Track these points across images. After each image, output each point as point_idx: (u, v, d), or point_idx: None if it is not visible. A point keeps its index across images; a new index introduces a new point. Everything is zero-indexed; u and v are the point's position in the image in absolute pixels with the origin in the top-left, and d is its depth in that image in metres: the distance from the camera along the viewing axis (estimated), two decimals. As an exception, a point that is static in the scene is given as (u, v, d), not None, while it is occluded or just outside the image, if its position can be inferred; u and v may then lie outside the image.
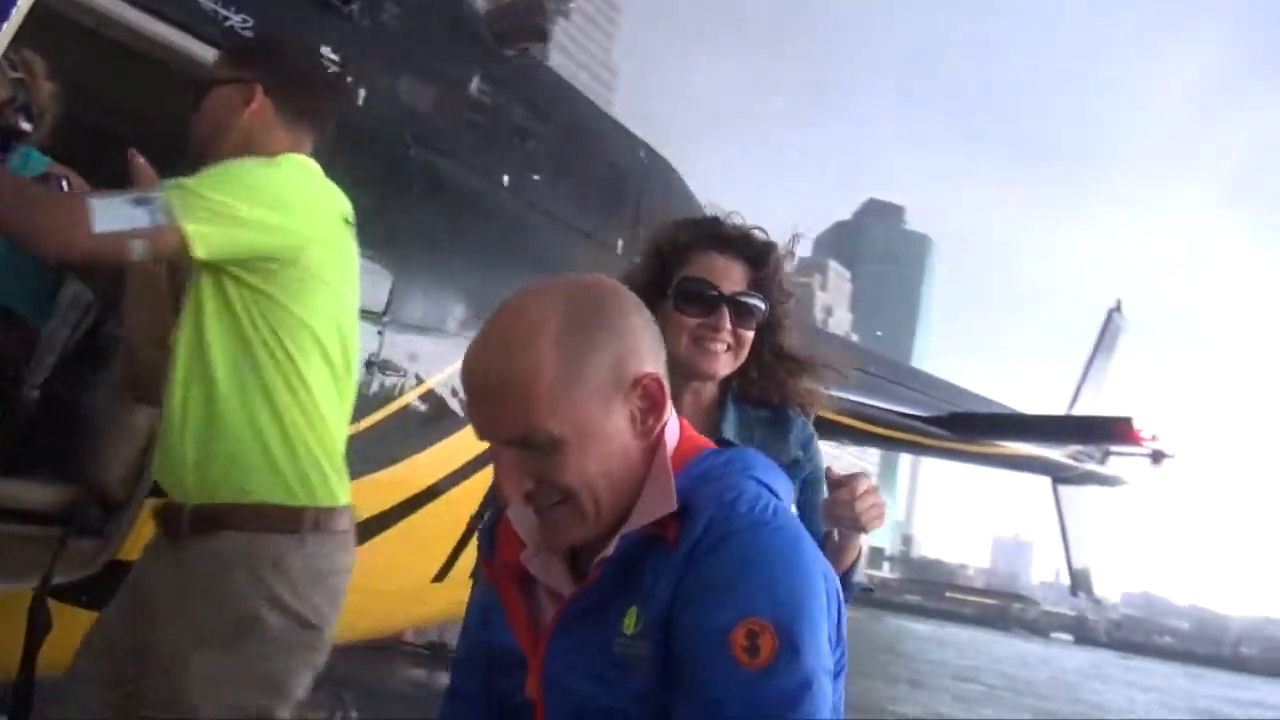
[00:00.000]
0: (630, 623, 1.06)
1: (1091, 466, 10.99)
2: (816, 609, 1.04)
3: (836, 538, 1.80)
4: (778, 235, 1.94)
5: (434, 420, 3.30)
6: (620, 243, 4.52)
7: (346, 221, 1.94)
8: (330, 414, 1.88)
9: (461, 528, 3.51)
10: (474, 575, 1.40)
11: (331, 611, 1.86)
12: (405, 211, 3.27)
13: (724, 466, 1.15)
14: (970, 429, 8.93)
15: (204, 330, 1.77)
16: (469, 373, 1.10)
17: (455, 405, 3.37)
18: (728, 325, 1.80)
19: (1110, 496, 12.94)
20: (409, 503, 3.22)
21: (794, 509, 1.24)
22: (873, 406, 6.46)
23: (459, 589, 3.56)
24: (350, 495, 1.95)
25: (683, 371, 1.82)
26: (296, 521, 1.80)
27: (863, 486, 1.72)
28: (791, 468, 1.80)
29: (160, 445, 1.86)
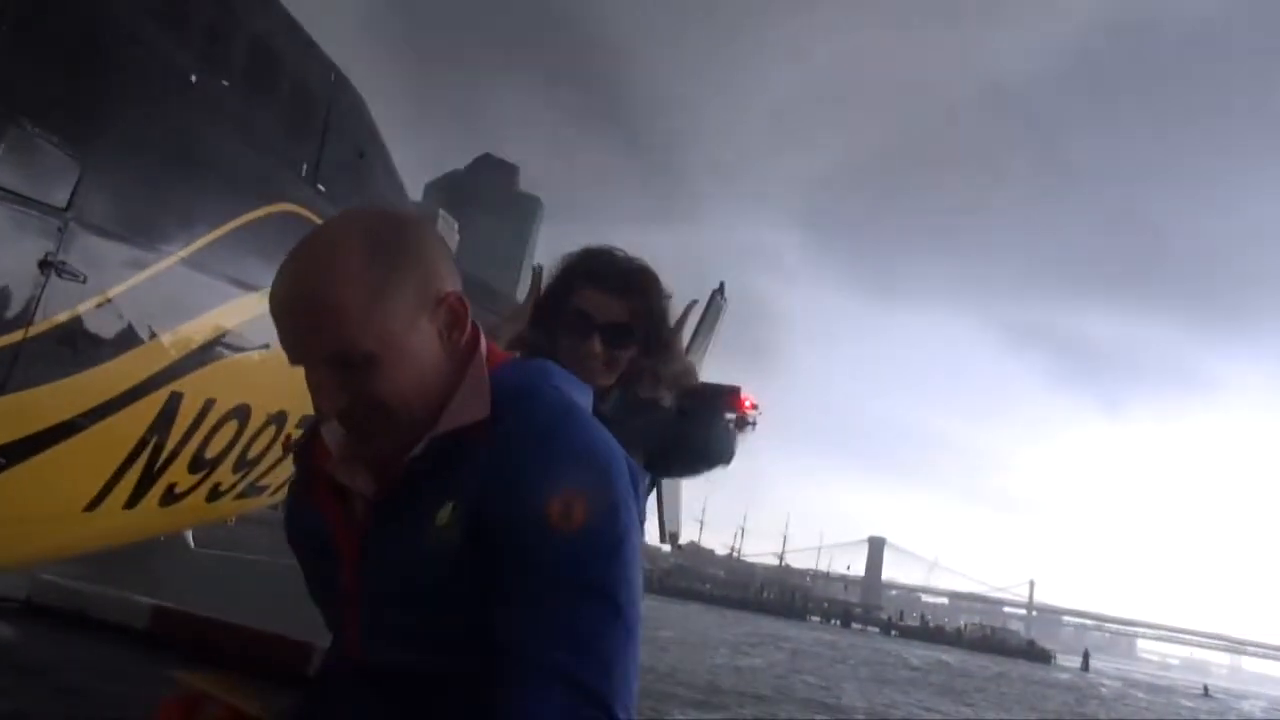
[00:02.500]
0: (444, 516, 1.12)
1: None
2: (623, 486, 1.15)
3: None
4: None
5: (109, 335, 2.96)
6: (305, 167, 4.29)
7: None
8: None
9: (121, 457, 3.20)
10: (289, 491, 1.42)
11: None
12: (87, 97, 2.89)
13: (529, 374, 1.25)
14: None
15: None
16: (281, 297, 1.12)
17: (135, 320, 3.05)
18: (598, 350, 2.08)
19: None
20: (70, 423, 2.87)
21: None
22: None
23: (111, 519, 3.26)
24: None
25: None
26: None
27: None
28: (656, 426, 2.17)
29: None
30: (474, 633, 1.09)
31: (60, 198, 2.69)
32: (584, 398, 1.29)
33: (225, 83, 3.71)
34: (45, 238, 2.65)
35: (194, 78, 3.48)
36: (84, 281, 2.77)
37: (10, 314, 2.59)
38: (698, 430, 2.27)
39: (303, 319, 1.11)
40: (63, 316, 2.74)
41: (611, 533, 1.10)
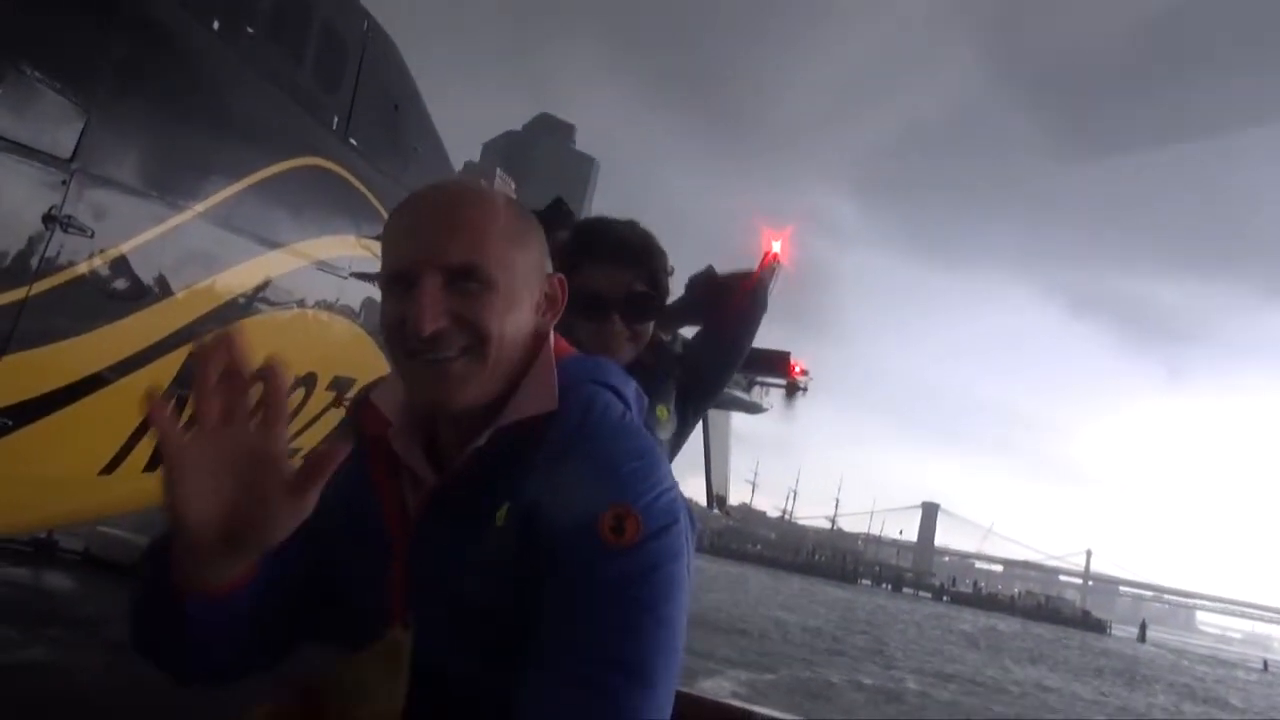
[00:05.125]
0: (502, 516, 1.11)
1: (738, 393, 11.98)
2: (676, 504, 1.13)
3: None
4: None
5: (119, 292, 2.83)
6: (336, 120, 4.13)
7: None
8: None
9: (137, 417, 3.08)
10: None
11: None
12: (101, 40, 2.74)
13: (591, 372, 1.25)
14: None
15: None
16: (424, 201, 1.18)
17: (148, 278, 2.92)
18: (619, 329, 2.02)
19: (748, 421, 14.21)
20: (81, 384, 2.76)
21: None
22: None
23: (130, 482, 3.17)
24: None
25: None
26: None
27: None
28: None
29: None
30: (522, 640, 1.07)
31: (65, 148, 2.55)
32: (639, 400, 1.30)
33: (250, 30, 3.55)
34: (49, 190, 2.52)
35: (216, 24, 3.32)
36: (91, 236, 2.64)
37: (12, 270, 2.47)
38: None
39: (447, 224, 1.14)
40: (69, 273, 2.61)
41: (662, 552, 1.08)
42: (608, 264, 2.03)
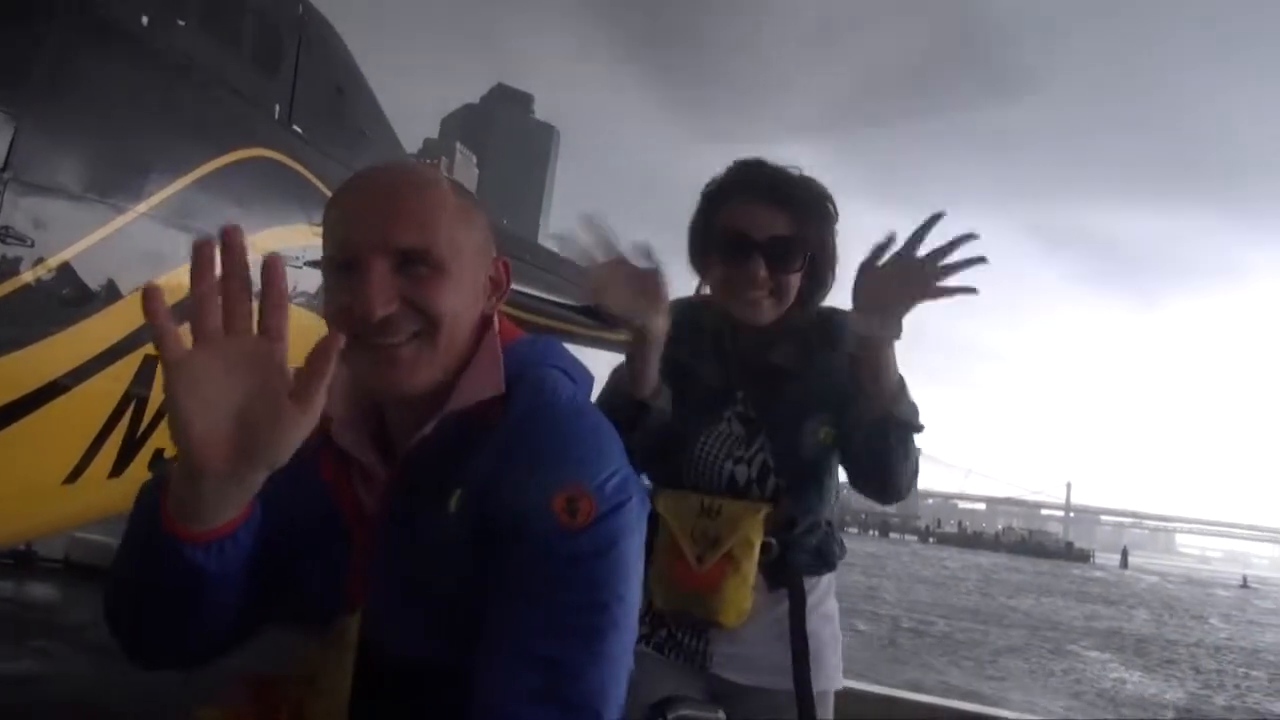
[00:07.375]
0: (455, 503, 1.11)
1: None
2: (629, 482, 1.13)
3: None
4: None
5: (66, 299, 2.80)
6: (278, 108, 4.07)
7: None
8: None
9: (99, 423, 3.07)
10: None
11: None
12: (25, 44, 2.68)
13: (538, 353, 1.25)
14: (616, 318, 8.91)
15: None
16: (369, 182, 1.16)
17: (93, 282, 2.89)
18: (761, 274, 1.77)
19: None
20: (36, 394, 2.74)
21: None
22: (531, 296, 6.44)
23: (94, 491, 3.16)
24: None
25: (728, 315, 1.87)
26: None
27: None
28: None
29: None
30: (479, 624, 1.08)
31: (-6, 157, 2.51)
32: (586, 384, 1.29)
33: (181, 22, 3.48)
34: (-14, 203, 2.48)
35: (145, 19, 3.26)
36: (31, 245, 2.60)
37: (-48, 287, 2.44)
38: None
39: (394, 207, 1.12)
40: (11, 284, 2.58)
41: (616, 531, 1.09)
42: (759, 201, 1.81)
